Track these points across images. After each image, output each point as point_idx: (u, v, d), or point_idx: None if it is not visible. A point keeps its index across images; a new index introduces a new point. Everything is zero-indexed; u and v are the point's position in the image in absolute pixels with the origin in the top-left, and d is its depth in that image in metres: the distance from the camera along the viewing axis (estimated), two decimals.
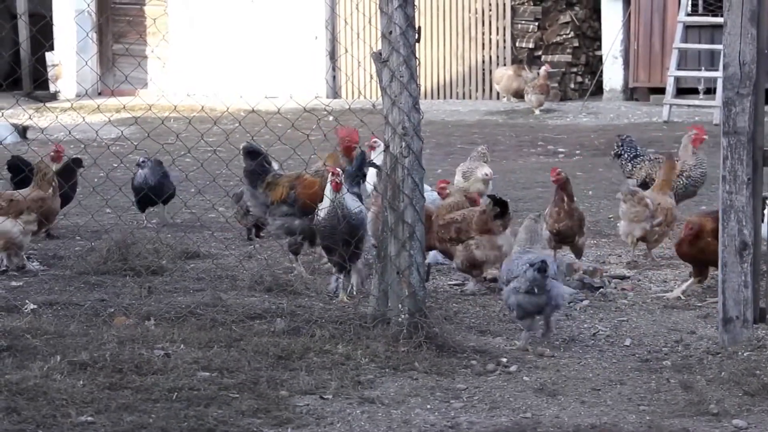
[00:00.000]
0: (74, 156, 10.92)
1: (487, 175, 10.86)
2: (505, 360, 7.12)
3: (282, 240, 9.18)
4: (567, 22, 23.65)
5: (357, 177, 8.50)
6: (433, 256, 9.25)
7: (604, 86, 23.37)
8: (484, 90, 24.01)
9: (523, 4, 23.76)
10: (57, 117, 15.28)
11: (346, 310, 7.79)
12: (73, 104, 15.43)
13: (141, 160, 11.33)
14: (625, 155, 11.44)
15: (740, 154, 7.12)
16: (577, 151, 16.91)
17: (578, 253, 9.29)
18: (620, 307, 8.43)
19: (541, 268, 7.28)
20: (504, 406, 6.40)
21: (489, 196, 9.19)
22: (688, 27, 21.14)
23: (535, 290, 7.32)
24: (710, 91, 21.04)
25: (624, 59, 23.08)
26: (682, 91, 21.36)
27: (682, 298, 8.55)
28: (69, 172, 10.48)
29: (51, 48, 23.79)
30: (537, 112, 21.53)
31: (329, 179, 8.18)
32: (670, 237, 9.87)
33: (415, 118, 7.34)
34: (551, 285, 7.36)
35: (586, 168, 15.14)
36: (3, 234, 9.05)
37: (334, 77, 24.07)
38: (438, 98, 24.03)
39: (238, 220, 10.49)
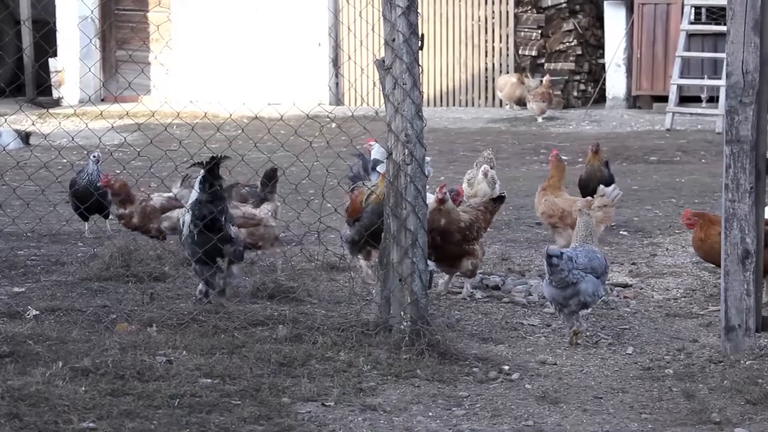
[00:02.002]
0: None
1: (486, 170, 10.98)
2: (507, 368, 7.11)
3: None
4: (570, 30, 23.67)
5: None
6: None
7: (606, 94, 23.38)
8: (486, 98, 24.02)
9: (526, 12, 23.78)
10: (60, 123, 15.28)
11: (348, 318, 7.78)
12: (76, 110, 15.49)
13: (96, 154, 10.78)
14: None
15: (743, 163, 7.12)
16: (580, 159, 16.88)
17: None
18: (622, 315, 8.43)
19: (548, 261, 7.34)
20: (506, 414, 6.40)
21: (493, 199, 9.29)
22: (690, 35, 21.17)
23: (553, 282, 7.39)
24: (713, 100, 21.05)
25: (627, 67, 23.10)
26: (685, 100, 21.38)
27: None
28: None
29: (54, 54, 23.84)
30: (539, 119, 21.53)
31: None
32: None
33: (418, 126, 7.34)
34: (577, 278, 7.39)
35: None
36: None
37: (337, 84, 24.08)
38: (441, 106, 24.04)
39: None
